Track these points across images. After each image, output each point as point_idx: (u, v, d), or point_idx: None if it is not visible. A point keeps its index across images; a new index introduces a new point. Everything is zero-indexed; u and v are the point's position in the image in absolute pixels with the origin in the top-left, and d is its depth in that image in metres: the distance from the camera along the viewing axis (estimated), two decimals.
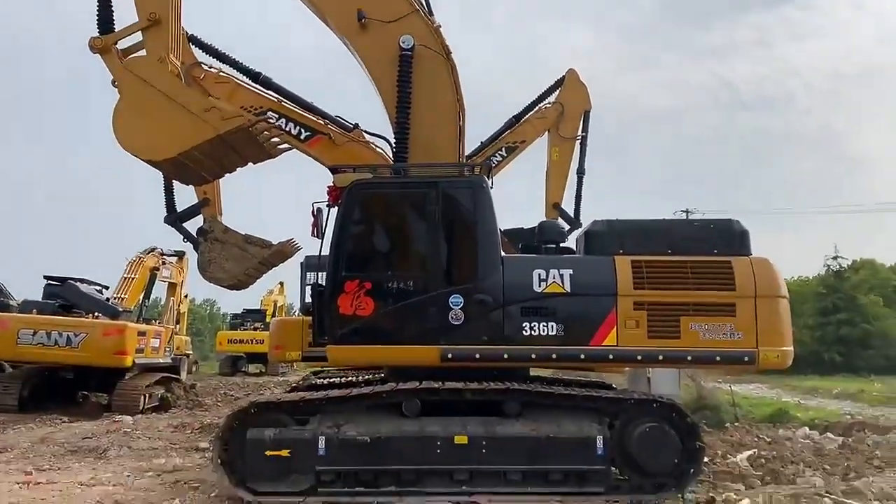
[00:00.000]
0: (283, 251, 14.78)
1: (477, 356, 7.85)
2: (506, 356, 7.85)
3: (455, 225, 8.06)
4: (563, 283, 7.93)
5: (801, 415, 19.11)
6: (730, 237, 8.19)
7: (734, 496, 8.45)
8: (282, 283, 42.01)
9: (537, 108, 19.03)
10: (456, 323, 7.90)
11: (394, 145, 8.99)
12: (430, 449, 7.62)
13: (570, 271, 7.98)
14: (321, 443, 7.59)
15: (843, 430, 16.03)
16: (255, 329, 37.24)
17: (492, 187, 8.16)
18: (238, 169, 10.25)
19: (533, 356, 7.85)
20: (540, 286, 7.95)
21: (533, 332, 7.88)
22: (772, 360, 7.80)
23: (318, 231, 8.10)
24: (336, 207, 8.19)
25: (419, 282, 7.98)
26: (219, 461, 7.62)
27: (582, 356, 7.86)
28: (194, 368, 32.96)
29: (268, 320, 37.71)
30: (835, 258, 49.65)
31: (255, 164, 10.12)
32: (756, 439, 13.29)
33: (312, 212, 8.08)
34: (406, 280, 7.99)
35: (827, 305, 47.55)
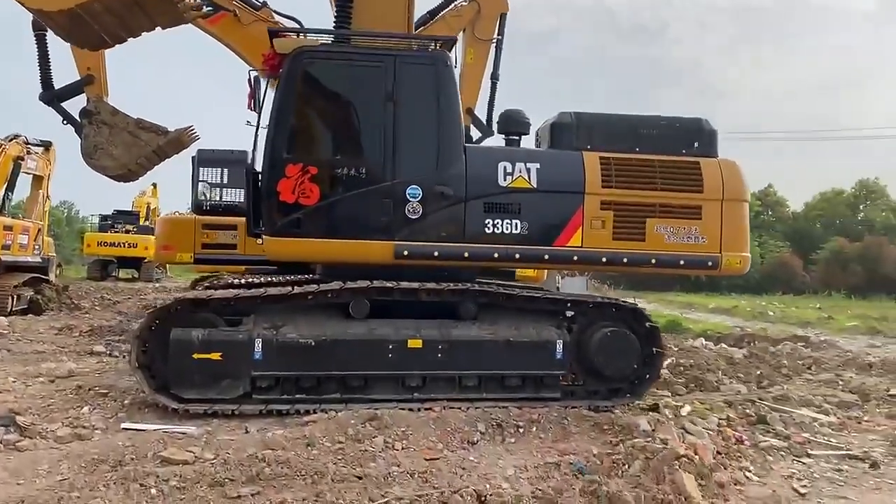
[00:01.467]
0: (181, 140, 13.35)
1: (435, 254, 7.15)
2: (466, 255, 7.19)
3: (414, 105, 7.17)
4: (529, 178, 7.29)
5: (693, 326, 19.84)
6: (698, 137, 7.77)
7: (673, 402, 8.34)
8: (154, 185, 39.35)
9: (453, 4, 18.00)
10: (413, 217, 7.13)
11: (335, 10, 7.85)
12: (380, 353, 6.96)
13: (537, 165, 7.34)
14: (257, 345, 6.74)
15: (735, 340, 16.72)
16: (126, 232, 34.73)
17: (456, 66, 7.28)
18: (143, 34, 8.86)
19: (496, 255, 7.23)
20: (505, 180, 7.27)
21: (496, 230, 7.24)
22: (734, 266, 7.57)
23: (254, 104, 7.02)
24: (274, 78, 7.11)
25: (372, 169, 7.10)
26: (136, 364, 6.64)
27: (546, 256, 7.32)
28: (58, 272, 30.51)
29: (142, 223, 35.33)
30: None
31: (163, 29, 8.76)
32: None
33: (249, 81, 6.98)
34: (357, 166, 7.08)
35: None
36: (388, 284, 6.98)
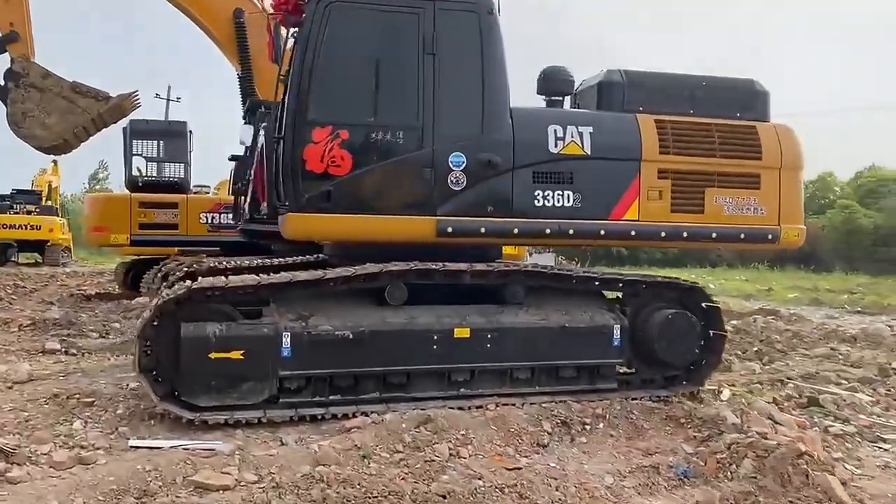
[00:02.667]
0: (123, 106, 11.90)
1: (482, 230, 6.26)
2: (516, 231, 6.34)
3: (456, 60, 6.22)
4: (581, 144, 6.48)
5: None
6: (752, 99, 7.14)
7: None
8: (55, 162, 36.43)
9: None
10: (456, 189, 6.21)
11: None
12: (424, 345, 6.05)
13: (590, 129, 6.53)
14: (285, 340, 5.72)
15: None
16: (28, 213, 31.94)
17: (500, 14, 6.37)
18: None
19: (547, 231, 6.41)
20: (556, 146, 6.44)
21: (546, 203, 6.41)
22: (792, 239, 7.01)
23: (274, 55, 5.92)
24: (297, 27, 6.03)
25: (411, 133, 6.12)
26: (139, 368, 5.50)
27: (602, 232, 6.55)
28: None
29: (44, 203, 32.63)
30: None
31: None
32: None
33: (268, 27, 5.86)
34: (394, 130, 6.09)
35: None
36: (433, 266, 6.05)
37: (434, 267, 6.05)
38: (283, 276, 5.80)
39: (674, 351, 6.62)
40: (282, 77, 6.82)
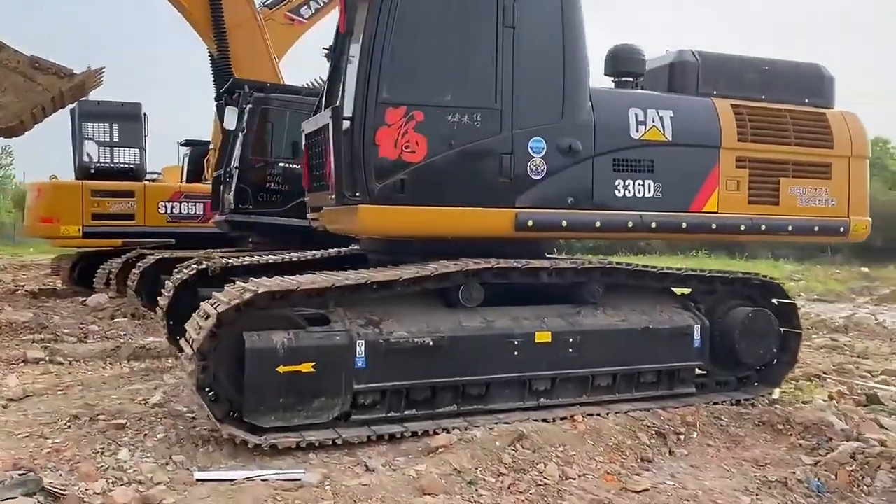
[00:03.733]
0: (85, 84, 10.76)
1: (563, 223, 5.69)
2: (598, 224, 5.80)
3: (536, 35, 5.62)
4: (663, 129, 5.99)
5: None
6: (819, 84, 6.79)
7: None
8: None
9: None
10: (536, 177, 5.62)
11: None
12: (504, 351, 5.45)
13: (671, 113, 6.05)
14: (359, 349, 5.02)
15: None
16: None
17: None
18: None
19: (630, 224, 5.89)
20: (637, 131, 5.92)
21: (626, 193, 5.90)
22: (860, 232, 6.71)
23: (346, 24, 5.20)
24: None
25: (488, 115, 5.49)
26: (194, 386, 4.72)
27: (683, 225, 6.08)
28: None
29: None
30: None
31: None
32: None
33: None
34: (472, 112, 5.44)
35: None
36: (516, 264, 5.46)
37: (517, 265, 5.46)
38: (356, 276, 5.09)
39: (753, 351, 6.24)
40: (327, 53, 6.08)
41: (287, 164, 10.80)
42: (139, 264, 10.15)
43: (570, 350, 5.64)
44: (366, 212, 5.23)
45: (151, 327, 9.72)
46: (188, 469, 4.60)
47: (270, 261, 7.25)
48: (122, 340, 8.93)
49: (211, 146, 14.74)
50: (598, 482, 4.79)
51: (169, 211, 14.58)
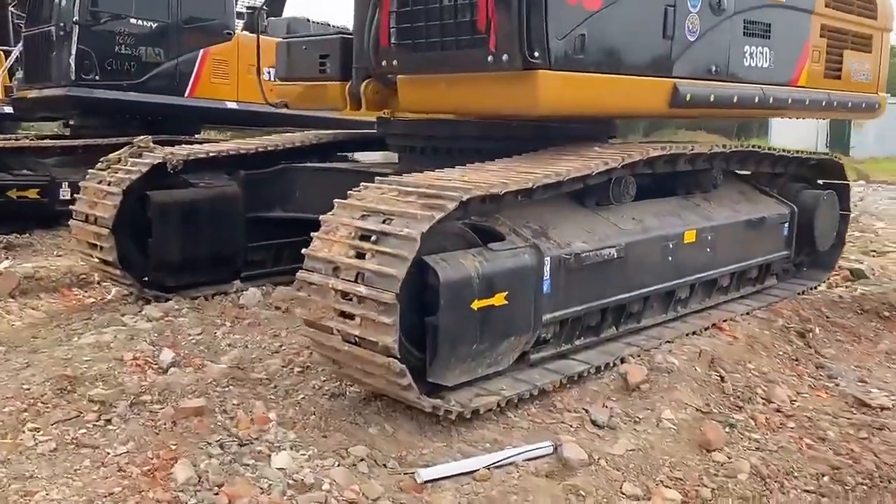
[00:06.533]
0: None
1: (711, 98, 4.71)
2: (735, 99, 4.90)
3: None
4: None
5: None
6: None
7: None
8: None
9: None
10: (691, 39, 4.53)
11: None
12: (662, 256, 4.49)
13: None
14: (546, 270, 3.74)
15: None
16: None
17: None
18: None
19: (756, 100, 5.07)
20: None
21: (752, 62, 5.05)
22: (883, 109, 6.61)
23: None
24: None
25: None
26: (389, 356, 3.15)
27: (789, 101, 5.40)
28: None
29: None
30: None
31: None
32: None
33: None
34: None
35: None
36: (684, 150, 4.44)
37: (685, 151, 4.44)
38: (543, 172, 3.70)
39: (827, 234, 5.93)
40: None
41: (143, 22, 8.27)
42: None
43: (708, 249, 4.84)
44: (548, 80, 3.76)
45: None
46: (391, 467, 3.10)
47: (252, 150, 5.45)
48: None
49: None
50: (815, 400, 4.17)
51: None
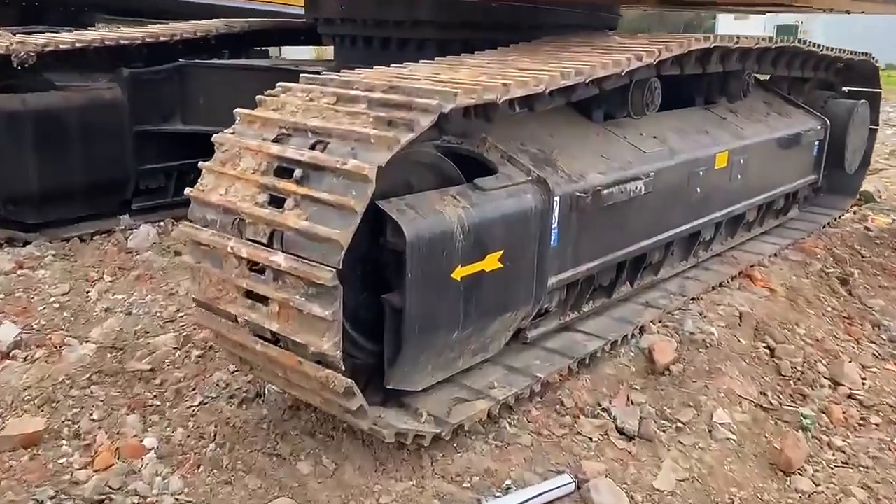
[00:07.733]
0: None
1: None
2: None
3: None
4: None
5: None
6: None
7: None
8: None
9: None
10: None
11: None
12: (684, 189, 3.39)
13: None
14: (554, 214, 2.59)
15: None
16: None
17: None
18: None
19: None
20: None
21: None
22: None
23: None
24: None
25: None
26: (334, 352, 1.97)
27: None
28: None
29: None
30: None
31: None
32: None
33: None
34: None
35: None
36: (708, 45, 3.28)
37: (708, 46, 3.27)
38: (557, 68, 2.50)
39: (855, 153, 4.92)
40: None
41: None
42: None
43: (739, 176, 3.76)
44: None
45: None
46: None
47: (139, 40, 4.07)
48: None
49: None
50: (887, 376, 3.23)
51: None
